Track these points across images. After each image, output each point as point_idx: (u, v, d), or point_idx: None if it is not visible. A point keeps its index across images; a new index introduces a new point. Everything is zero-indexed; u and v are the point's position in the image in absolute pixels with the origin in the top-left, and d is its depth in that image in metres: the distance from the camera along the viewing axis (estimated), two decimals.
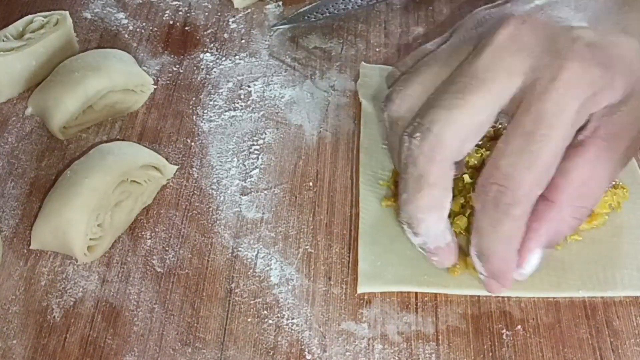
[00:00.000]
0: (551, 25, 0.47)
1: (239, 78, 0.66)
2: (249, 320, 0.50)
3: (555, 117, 0.43)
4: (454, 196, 0.47)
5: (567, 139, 0.44)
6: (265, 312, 0.50)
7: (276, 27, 0.70)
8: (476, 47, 0.46)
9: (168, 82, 0.66)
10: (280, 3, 0.73)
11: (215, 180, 0.58)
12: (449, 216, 0.48)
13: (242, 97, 0.64)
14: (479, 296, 0.50)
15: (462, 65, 0.46)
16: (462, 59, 0.46)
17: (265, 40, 0.69)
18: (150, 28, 0.71)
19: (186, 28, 0.71)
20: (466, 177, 0.51)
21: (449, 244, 0.48)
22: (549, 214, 0.46)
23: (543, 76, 0.44)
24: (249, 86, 0.65)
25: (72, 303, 0.51)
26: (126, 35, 0.70)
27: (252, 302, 0.51)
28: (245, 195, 0.57)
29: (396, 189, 0.53)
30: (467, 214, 0.51)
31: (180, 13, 0.72)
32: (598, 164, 0.46)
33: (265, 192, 0.57)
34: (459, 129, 0.45)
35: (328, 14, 0.70)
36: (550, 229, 0.46)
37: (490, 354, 0.48)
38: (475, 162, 0.53)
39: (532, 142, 0.43)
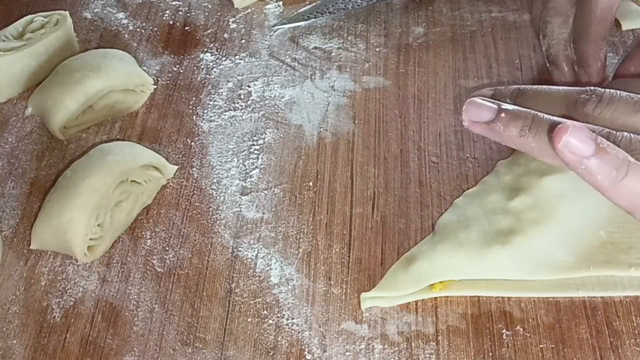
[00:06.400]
0: None
1: (239, 78, 0.66)
2: (249, 320, 0.50)
3: None
4: None
5: None
6: (265, 312, 0.50)
7: (276, 27, 0.70)
8: None
9: (168, 82, 0.66)
10: (280, 3, 0.73)
11: (215, 180, 0.58)
12: None
13: (242, 97, 0.64)
14: (479, 296, 0.50)
15: None
16: None
17: (265, 40, 0.69)
18: (150, 28, 0.71)
19: (186, 28, 0.71)
20: None
21: (567, 56, 0.57)
22: None
23: None
24: (249, 86, 0.65)
25: (72, 303, 0.51)
26: (126, 35, 0.70)
27: (252, 302, 0.51)
28: (245, 195, 0.57)
29: None
30: None
31: (180, 13, 0.72)
32: None
33: (265, 192, 0.57)
34: None
35: (328, 14, 0.70)
36: None
37: (490, 354, 0.47)
38: None
39: None
